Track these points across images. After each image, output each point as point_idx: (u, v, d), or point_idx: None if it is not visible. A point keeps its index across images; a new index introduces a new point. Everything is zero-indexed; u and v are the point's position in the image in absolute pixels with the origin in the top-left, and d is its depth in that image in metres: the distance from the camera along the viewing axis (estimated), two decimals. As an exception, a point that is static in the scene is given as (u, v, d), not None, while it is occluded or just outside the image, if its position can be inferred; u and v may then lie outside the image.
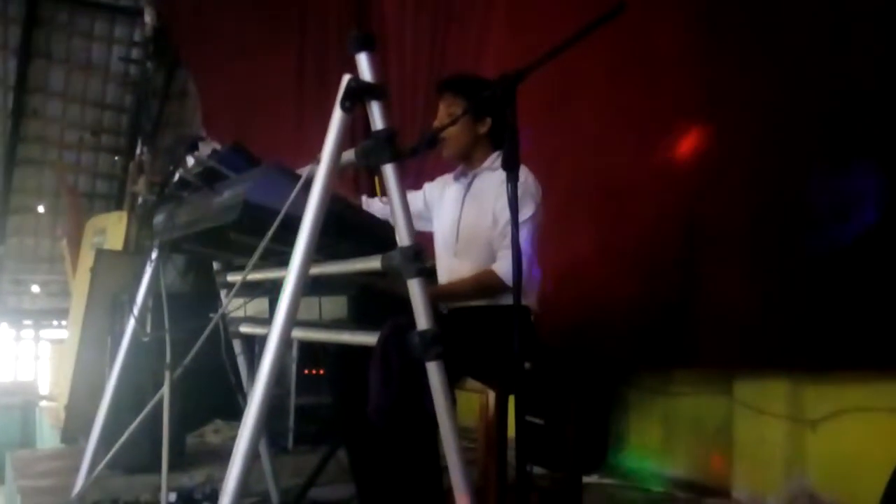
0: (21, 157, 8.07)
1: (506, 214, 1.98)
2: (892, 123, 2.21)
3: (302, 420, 3.74)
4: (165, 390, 2.08)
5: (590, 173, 3.05)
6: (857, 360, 2.31)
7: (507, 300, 1.82)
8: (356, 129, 1.95)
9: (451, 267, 2.22)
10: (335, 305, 1.98)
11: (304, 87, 5.15)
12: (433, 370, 1.56)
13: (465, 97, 2.17)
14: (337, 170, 1.56)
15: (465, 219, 2.20)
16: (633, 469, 3.20)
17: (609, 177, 2.98)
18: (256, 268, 1.71)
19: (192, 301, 2.70)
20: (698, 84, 2.70)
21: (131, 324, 2.41)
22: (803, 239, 2.38)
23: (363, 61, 1.57)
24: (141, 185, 6.13)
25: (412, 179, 3.41)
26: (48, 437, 5.35)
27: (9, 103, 7.75)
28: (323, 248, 1.61)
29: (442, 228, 2.29)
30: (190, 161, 2.05)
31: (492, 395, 1.93)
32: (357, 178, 4.37)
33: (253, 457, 1.45)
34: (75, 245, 6.32)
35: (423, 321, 1.56)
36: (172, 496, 2.50)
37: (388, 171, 1.57)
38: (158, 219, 2.09)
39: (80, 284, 5.17)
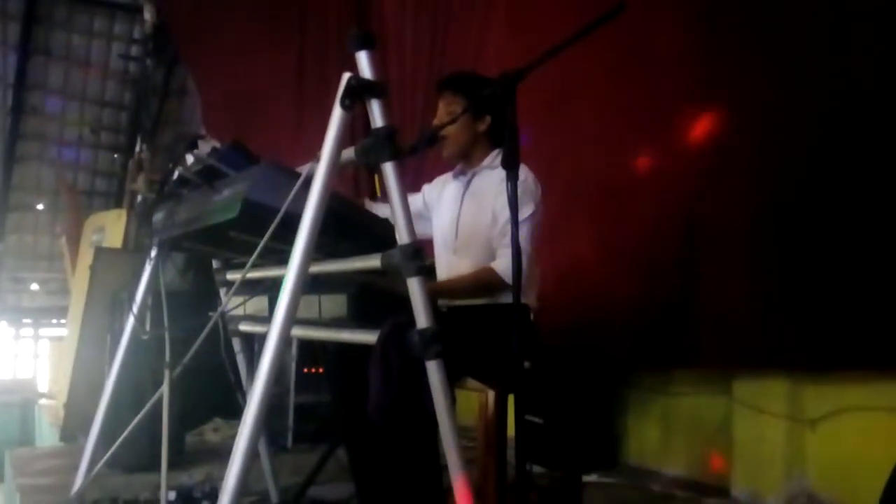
0: (20, 154, 8.05)
1: (505, 213, 1.98)
2: (892, 123, 2.21)
3: (301, 418, 3.74)
4: (165, 388, 2.08)
5: (590, 173, 3.05)
6: (857, 360, 2.32)
7: (507, 298, 1.82)
8: (356, 128, 1.95)
9: (449, 264, 2.22)
10: (335, 304, 1.98)
11: (304, 87, 5.15)
12: (433, 369, 1.56)
13: (464, 95, 2.17)
14: (337, 168, 1.56)
15: (463, 217, 2.20)
16: (632, 468, 3.20)
17: (609, 176, 2.98)
18: (256, 266, 1.71)
19: (192, 299, 2.70)
20: (698, 84, 2.70)
21: (130, 322, 2.41)
22: (803, 239, 2.39)
23: (363, 59, 1.57)
24: (140, 183, 6.12)
25: (411, 179, 3.41)
26: (47, 436, 5.35)
27: (8, 100, 7.73)
28: (322, 246, 1.61)
29: (441, 226, 2.29)
30: (189, 159, 2.04)
31: (491, 394, 1.92)
32: (357, 176, 4.37)
33: (252, 455, 1.45)
34: (74, 243, 6.32)
35: (422, 320, 1.56)
36: (172, 495, 2.50)
37: (388, 169, 1.57)
38: (158, 217, 2.09)
39: (80, 282, 5.17)
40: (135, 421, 2.17)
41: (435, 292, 2.05)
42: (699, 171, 2.69)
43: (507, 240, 1.63)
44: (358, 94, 1.55)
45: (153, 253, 2.34)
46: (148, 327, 2.36)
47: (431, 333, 1.55)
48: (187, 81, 7.63)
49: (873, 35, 2.26)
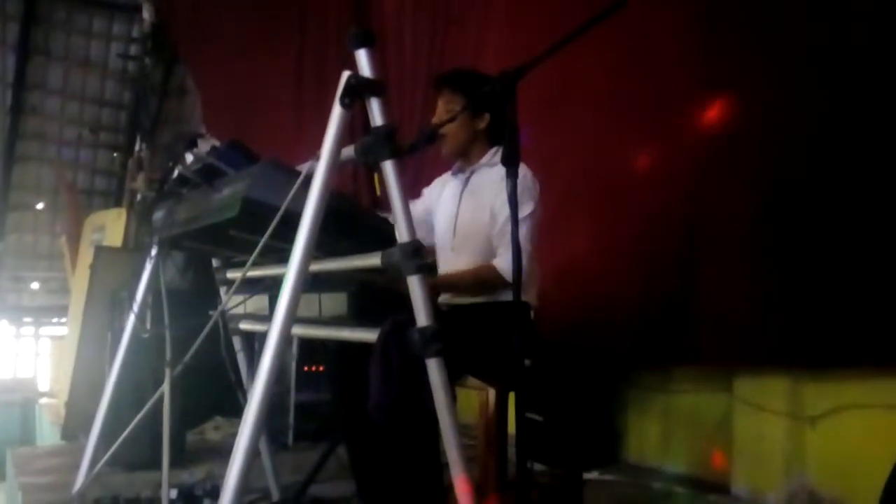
0: (20, 154, 8.05)
1: (505, 211, 1.98)
2: (892, 123, 2.21)
3: (302, 417, 3.74)
4: (165, 387, 2.08)
5: (589, 172, 3.05)
6: (857, 357, 2.32)
7: (507, 296, 1.82)
8: (355, 126, 1.95)
9: (448, 261, 2.23)
10: (335, 302, 1.98)
11: (304, 86, 5.15)
12: (433, 367, 1.56)
13: (463, 93, 2.17)
14: (336, 166, 1.56)
15: (462, 214, 2.20)
16: (633, 465, 3.21)
17: (609, 175, 2.98)
18: (256, 264, 1.71)
19: (192, 298, 2.70)
20: (698, 84, 2.70)
21: (131, 320, 2.42)
22: (803, 238, 2.39)
23: (362, 58, 1.57)
24: (140, 182, 6.12)
25: (411, 178, 3.41)
26: (48, 434, 5.35)
27: (7, 100, 7.73)
28: (323, 244, 1.61)
29: (440, 223, 2.29)
30: (189, 158, 2.05)
31: (492, 392, 1.93)
32: (356, 174, 4.37)
33: (253, 453, 1.45)
34: (74, 242, 6.31)
35: (423, 318, 1.56)
36: (173, 493, 2.50)
37: (388, 167, 1.57)
38: (158, 215, 2.10)
39: (80, 281, 5.17)
40: (136, 419, 2.18)
41: (435, 286, 2.05)
42: (699, 170, 2.69)
43: (508, 238, 1.63)
44: (357, 92, 1.55)
45: (153, 252, 2.35)
46: (148, 326, 2.36)
47: (432, 332, 1.55)
48: (186, 80, 7.62)
49: (873, 35, 2.26)
